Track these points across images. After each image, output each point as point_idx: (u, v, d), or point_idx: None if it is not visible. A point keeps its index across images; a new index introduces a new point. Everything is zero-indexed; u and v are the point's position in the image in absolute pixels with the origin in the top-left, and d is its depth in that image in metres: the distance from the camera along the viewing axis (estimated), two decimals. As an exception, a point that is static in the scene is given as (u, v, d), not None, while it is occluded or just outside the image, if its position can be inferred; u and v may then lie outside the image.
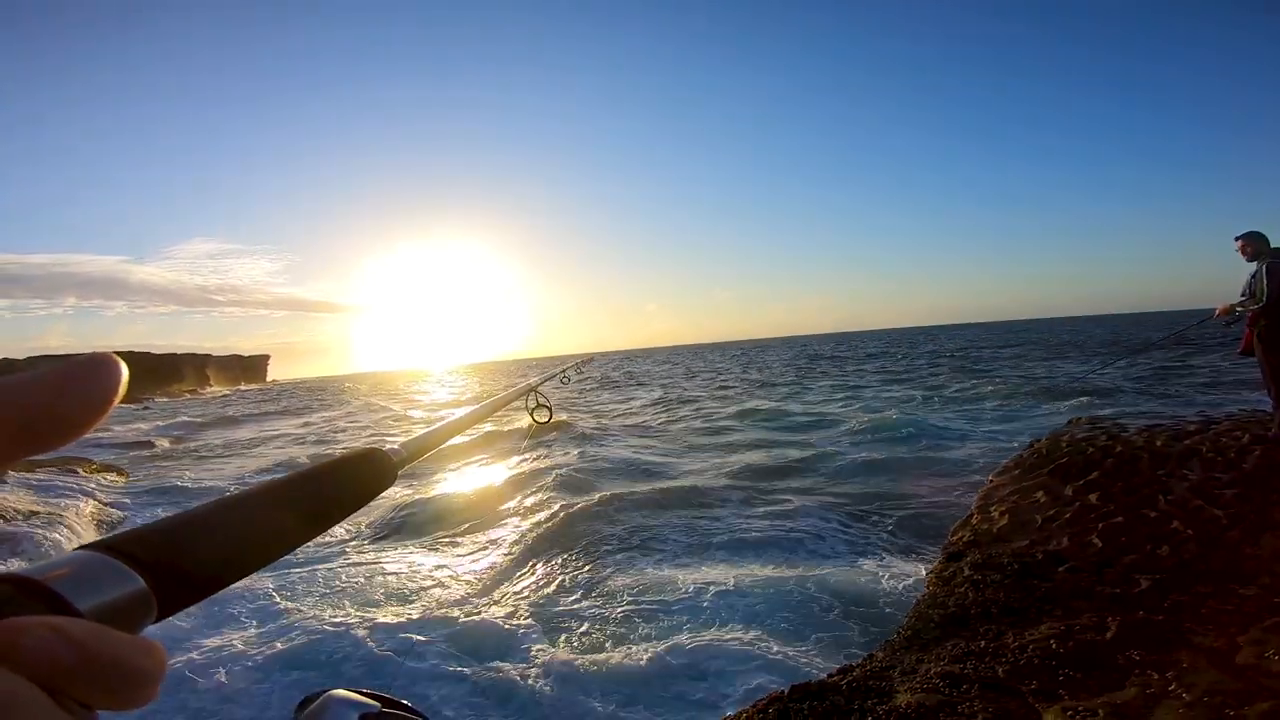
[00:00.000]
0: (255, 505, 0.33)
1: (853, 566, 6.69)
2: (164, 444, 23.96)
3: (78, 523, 10.00)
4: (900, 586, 6.07)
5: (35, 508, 9.96)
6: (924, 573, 5.82)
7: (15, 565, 7.99)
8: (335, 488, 0.42)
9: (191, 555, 0.26)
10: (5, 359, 76.05)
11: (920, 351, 54.01)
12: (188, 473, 16.02)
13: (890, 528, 7.87)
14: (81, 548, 0.23)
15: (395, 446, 0.54)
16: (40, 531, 9.08)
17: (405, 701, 0.61)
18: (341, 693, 0.54)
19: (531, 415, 1.61)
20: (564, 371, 2.35)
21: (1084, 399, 16.84)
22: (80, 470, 12.62)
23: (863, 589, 6.16)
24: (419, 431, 0.68)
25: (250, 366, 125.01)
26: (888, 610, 5.61)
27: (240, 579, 0.30)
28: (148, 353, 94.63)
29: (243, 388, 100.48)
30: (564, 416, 19.72)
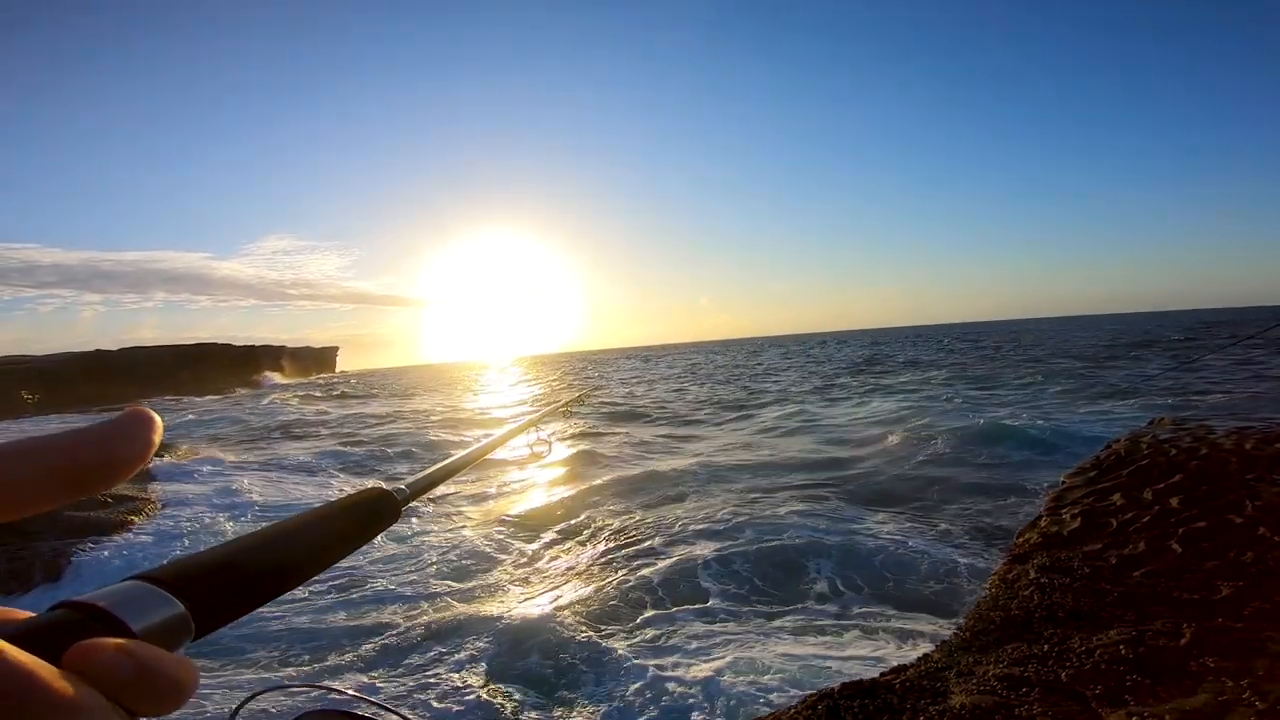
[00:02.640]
0: (275, 541, 0.39)
1: (909, 568, 6.54)
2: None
3: (193, 493, 11.59)
4: (961, 588, 5.92)
5: (155, 483, 11.81)
6: (986, 575, 5.66)
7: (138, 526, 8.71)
8: (344, 525, 0.46)
9: (222, 584, 0.32)
10: (98, 349, 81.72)
11: (985, 346, 51.92)
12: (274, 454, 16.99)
13: (952, 529, 7.66)
14: (129, 578, 0.29)
15: (401, 486, 0.57)
16: (160, 501, 10.69)
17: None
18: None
19: (531, 449, 1.68)
20: (567, 404, 2.42)
21: (1161, 398, 15.89)
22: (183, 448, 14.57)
23: (921, 590, 6.03)
24: (424, 471, 0.69)
25: (321, 358, 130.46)
26: (944, 611, 5.48)
27: (263, 605, 0.36)
28: (229, 344, 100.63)
29: (314, 378, 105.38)
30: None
